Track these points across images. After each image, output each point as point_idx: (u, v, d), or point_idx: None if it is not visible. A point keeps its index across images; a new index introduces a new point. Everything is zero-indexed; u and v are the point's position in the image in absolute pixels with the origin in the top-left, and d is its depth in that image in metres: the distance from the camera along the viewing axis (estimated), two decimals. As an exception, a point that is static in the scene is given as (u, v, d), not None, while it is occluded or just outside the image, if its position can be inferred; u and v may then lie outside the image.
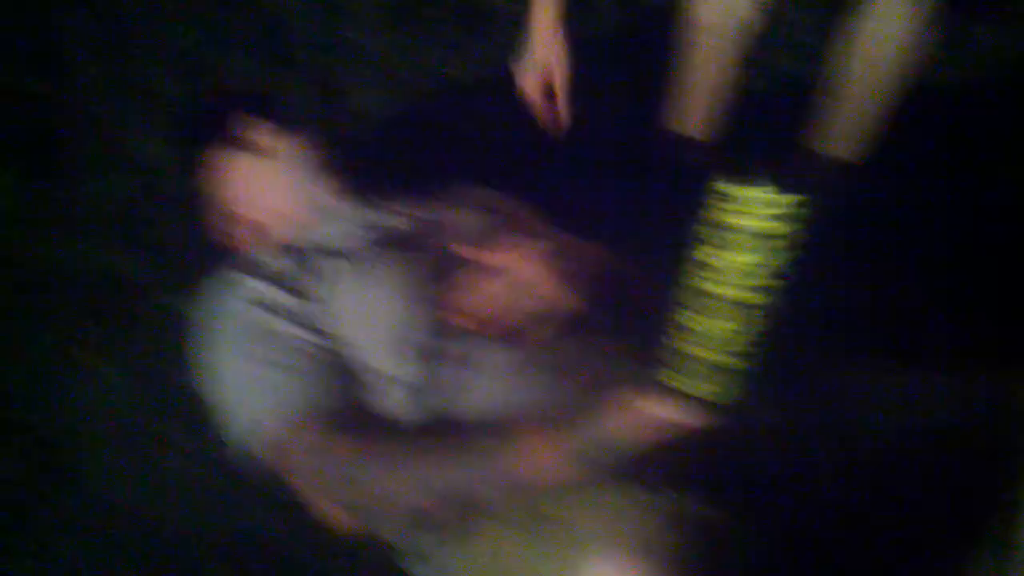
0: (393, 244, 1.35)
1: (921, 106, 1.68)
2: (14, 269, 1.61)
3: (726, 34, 1.69)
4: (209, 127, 1.54)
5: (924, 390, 1.10)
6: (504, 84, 1.83)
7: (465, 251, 1.28)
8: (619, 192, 1.74)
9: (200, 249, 1.58)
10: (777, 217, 0.90)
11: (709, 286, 0.93)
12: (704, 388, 0.93)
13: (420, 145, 1.86)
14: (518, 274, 1.22)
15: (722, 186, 0.93)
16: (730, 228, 0.92)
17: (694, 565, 0.83)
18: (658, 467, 0.99)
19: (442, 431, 1.18)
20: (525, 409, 1.15)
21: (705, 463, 1.00)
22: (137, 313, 1.54)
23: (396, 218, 1.42)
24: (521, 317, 1.20)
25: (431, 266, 1.29)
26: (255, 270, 1.35)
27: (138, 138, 1.82)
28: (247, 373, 1.24)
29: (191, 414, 1.33)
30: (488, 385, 1.18)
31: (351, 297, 1.27)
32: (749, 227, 0.91)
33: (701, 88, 1.76)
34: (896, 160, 1.74)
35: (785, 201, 0.90)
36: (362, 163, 1.54)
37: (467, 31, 1.98)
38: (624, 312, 1.27)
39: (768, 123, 1.82)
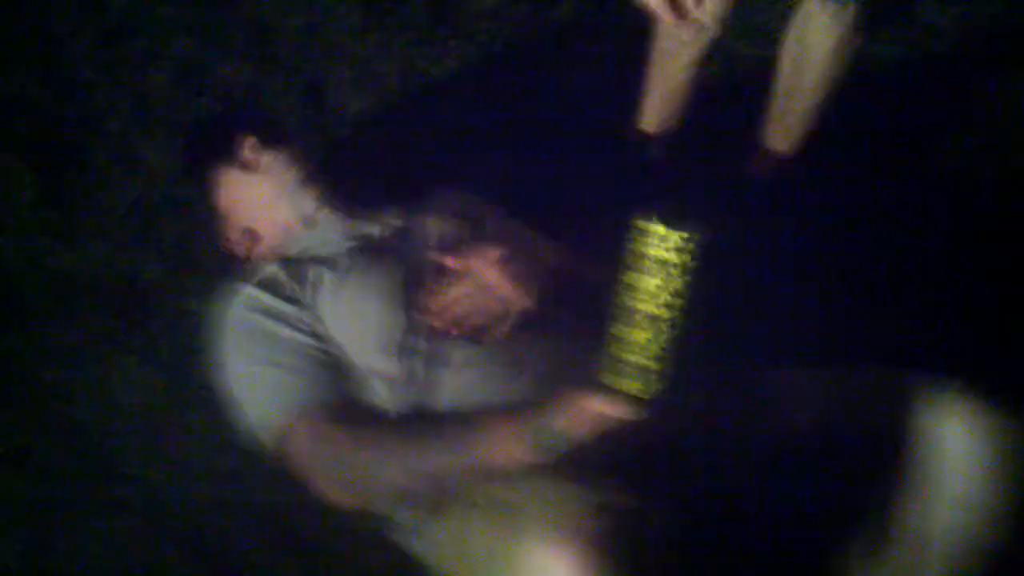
0: (371, 251, 1.48)
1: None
2: (44, 275, 1.75)
3: (685, 36, 1.82)
4: (203, 143, 1.69)
5: (812, 386, 1.27)
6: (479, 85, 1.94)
7: (437, 256, 1.41)
8: (588, 193, 1.85)
9: (209, 256, 1.73)
10: (671, 249, 1.06)
11: (629, 301, 1.09)
12: (631, 386, 1.10)
13: (398, 152, 1.97)
14: (481, 277, 1.34)
15: (637, 222, 1.08)
16: (639, 255, 1.08)
17: (621, 551, 0.99)
18: (595, 458, 1.14)
19: (419, 421, 1.33)
20: (488, 402, 1.30)
21: (632, 455, 1.15)
22: (158, 314, 1.68)
23: (374, 226, 1.54)
24: (484, 317, 1.33)
25: (406, 271, 1.42)
26: (255, 278, 1.48)
27: (143, 147, 1.94)
28: (252, 373, 1.39)
29: (211, 406, 1.45)
30: (456, 380, 1.33)
31: (336, 302, 1.41)
32: (652, 255, 1.07)
33: (662, 87, 1.91)
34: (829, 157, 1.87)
35: (677, 236, 1.05)
36: (342, 174, 1.66)
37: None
38: (575, 312, 1.39)
39: (724, 120, 1.95)
